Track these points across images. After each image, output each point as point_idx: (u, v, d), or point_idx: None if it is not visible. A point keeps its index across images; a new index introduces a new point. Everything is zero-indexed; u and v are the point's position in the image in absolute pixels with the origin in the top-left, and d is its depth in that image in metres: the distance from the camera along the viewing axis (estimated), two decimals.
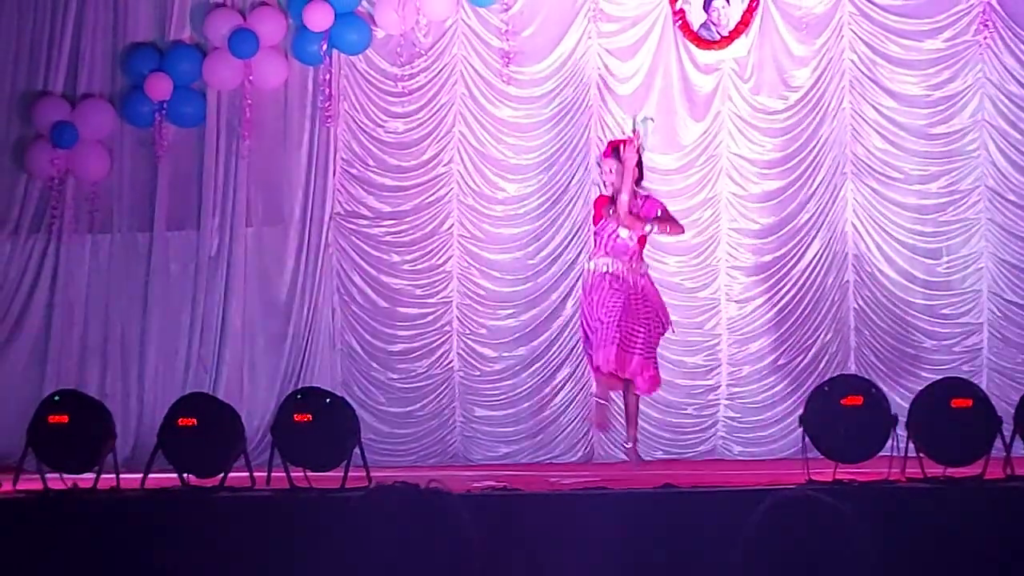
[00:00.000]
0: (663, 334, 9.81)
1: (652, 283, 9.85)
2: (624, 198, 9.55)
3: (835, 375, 10.24)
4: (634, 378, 9.64)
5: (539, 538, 6.56)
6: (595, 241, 9.87)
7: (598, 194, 10.21)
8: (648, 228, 9.70)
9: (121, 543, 6.97)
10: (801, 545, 2.79)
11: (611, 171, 9.70)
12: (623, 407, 9.98)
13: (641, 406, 11.22)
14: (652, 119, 10.52)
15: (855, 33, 11.17)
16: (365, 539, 2.77)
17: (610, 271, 9.64)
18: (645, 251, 9.88)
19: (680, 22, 11.29)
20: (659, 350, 11.21)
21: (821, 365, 11.08)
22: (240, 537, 6.87)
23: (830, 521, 2.84)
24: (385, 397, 11.55)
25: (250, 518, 7.09)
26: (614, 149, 9.75)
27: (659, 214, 9.76)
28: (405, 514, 2.80)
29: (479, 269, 11.56)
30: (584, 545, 6.43)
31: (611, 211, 9.71)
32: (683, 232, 10.10)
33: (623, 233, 9.63)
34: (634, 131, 9.81)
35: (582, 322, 9.91)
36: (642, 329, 9.60)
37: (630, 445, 10.00)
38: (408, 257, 11.65)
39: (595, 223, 9.92)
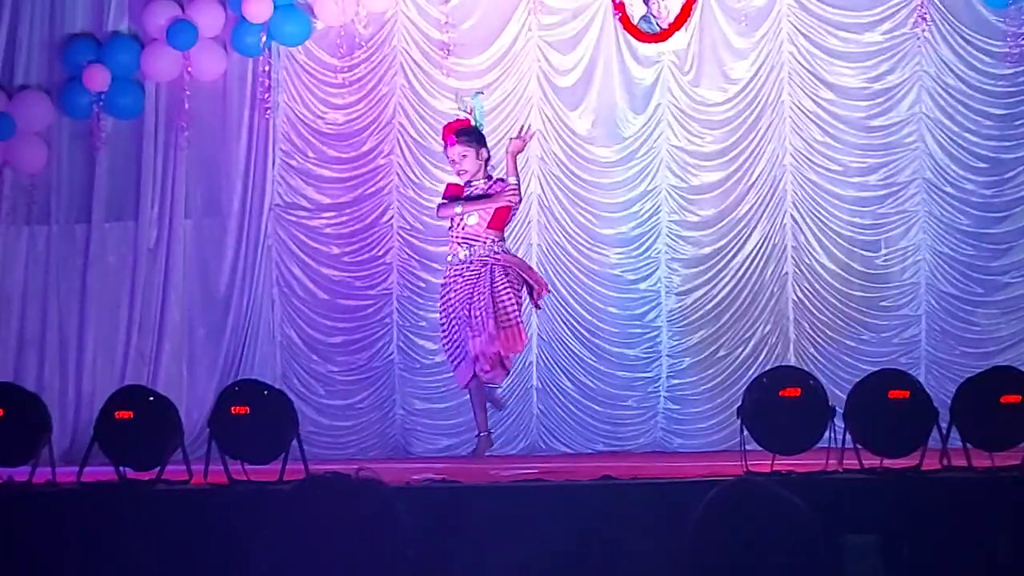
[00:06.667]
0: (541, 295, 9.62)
1: (511, 255, 9.67)
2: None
3: (774, 366, 10.28)
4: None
5: (476, 529, 6.54)
6: (450, 236, 9.67)
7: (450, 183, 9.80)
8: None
9: (56, 537, 6.91)
10: (745, 533, 2.79)
11: (462, 157, 9.54)
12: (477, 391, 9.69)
13: (582, 399, 11.26)
14: (482, 92, 10.34)
15: (794, 26, 11.23)
16: (298, 530, 2.76)
17: (466, 259, 9.47)
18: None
19: (620, 15, 11.30)
20: (599, 342, 11.28)
21: (761, 357, 11.12)
22: (177, 530, 6.83)
23: (774, 509, 2.84)
24: (325, 389, 11.51)
25: (187, 511, 7.04)
26: (457, 133, 9.61)
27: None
28: (336, 503, 2.79)
29: (419, 261, 11.52)
30: (522, 536, 6.42)
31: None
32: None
33: (471, 220, 9.47)
34: (468, 110, 9.65)
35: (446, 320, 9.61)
36: (512, 301, 9.39)
37: (486, 433, 9.82)
38: (348, 249, 11.61)
39: (440, 213, 9.72)
